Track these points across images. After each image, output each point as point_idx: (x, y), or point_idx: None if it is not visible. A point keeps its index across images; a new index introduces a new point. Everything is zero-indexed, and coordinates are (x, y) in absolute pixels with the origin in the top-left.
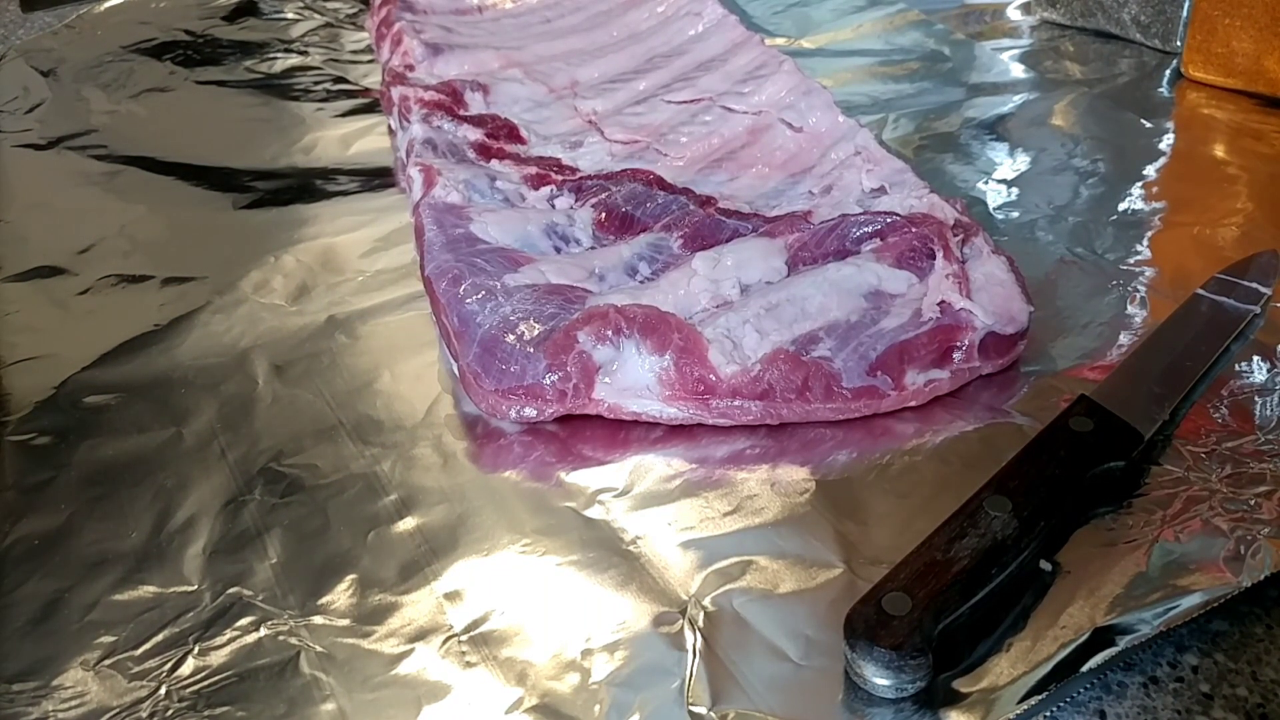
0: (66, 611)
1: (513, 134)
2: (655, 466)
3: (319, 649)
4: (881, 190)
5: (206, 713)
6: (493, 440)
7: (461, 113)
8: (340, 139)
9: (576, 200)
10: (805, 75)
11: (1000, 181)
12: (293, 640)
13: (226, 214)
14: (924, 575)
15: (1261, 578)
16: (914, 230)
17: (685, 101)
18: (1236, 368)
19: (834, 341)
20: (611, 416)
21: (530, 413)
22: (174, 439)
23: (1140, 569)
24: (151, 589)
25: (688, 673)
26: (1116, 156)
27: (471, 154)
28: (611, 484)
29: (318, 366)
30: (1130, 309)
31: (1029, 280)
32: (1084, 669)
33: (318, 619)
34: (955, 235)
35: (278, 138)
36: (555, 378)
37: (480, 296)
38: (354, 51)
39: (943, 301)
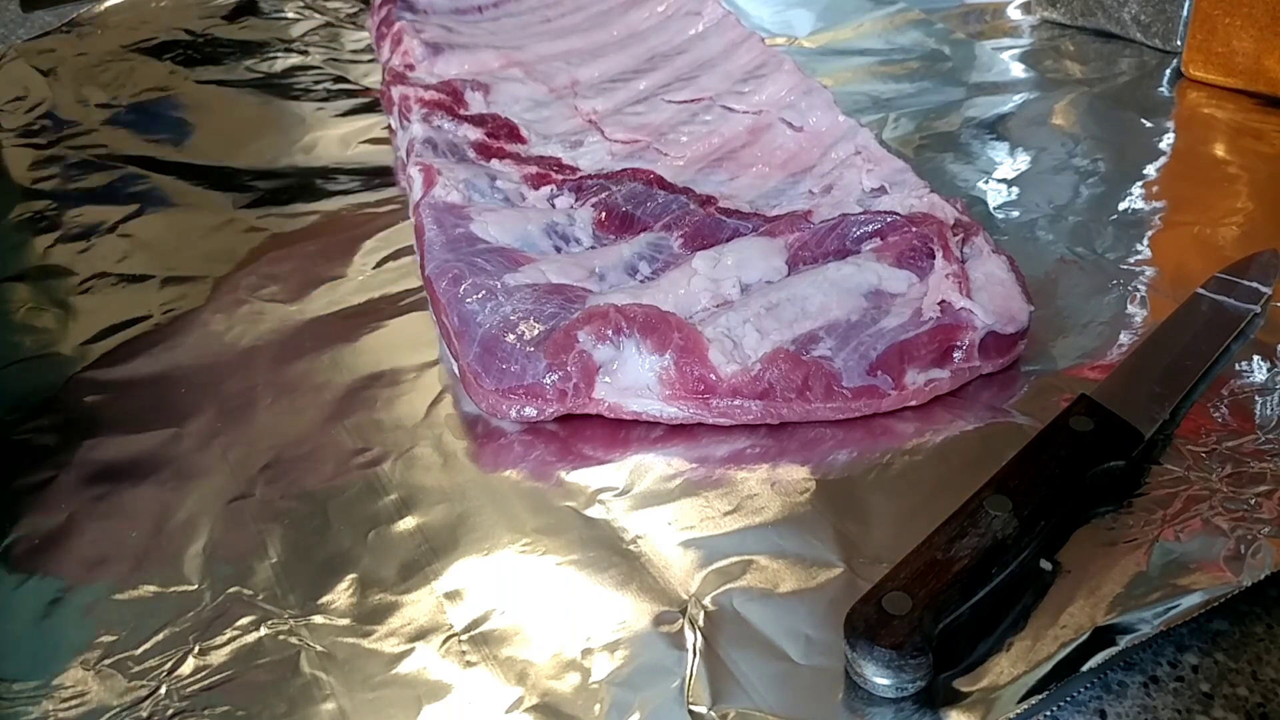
0: (66, 611)
1: (513, 133)
2: (655, 466)
3: (319, 648)
4: (882, 190)
5: (206, 712)
6: (493, 440)
7: (461, 112)
8: (340, 139)
9: (577, 200)
10: (805, 74)
11: (1000, 181)
12: (293, 640)
13: (226, 214)
14: (924, 575)
15: (1262, 577)
16: (914, 230)
17: (685, 101)
18: (1237, 367)
19: (834, 341)
20: (612, 416)
21: (530, 412)
22: (174, 439)
23: (1140, 568)
24: (151, 589)
25: (688, 672)
26: (1117, 156)
27: (471, 153)
28: (612, 483)
29: (318, 366)
30: (1130, 308)
31: (1029, 279)
32: (1084, 668)
33: (318, 618)
34: (955, 235)
35: (278, 137)
36: (555, 377)
37: (480, 296)
38: (354, 51)
39: (943, 301)
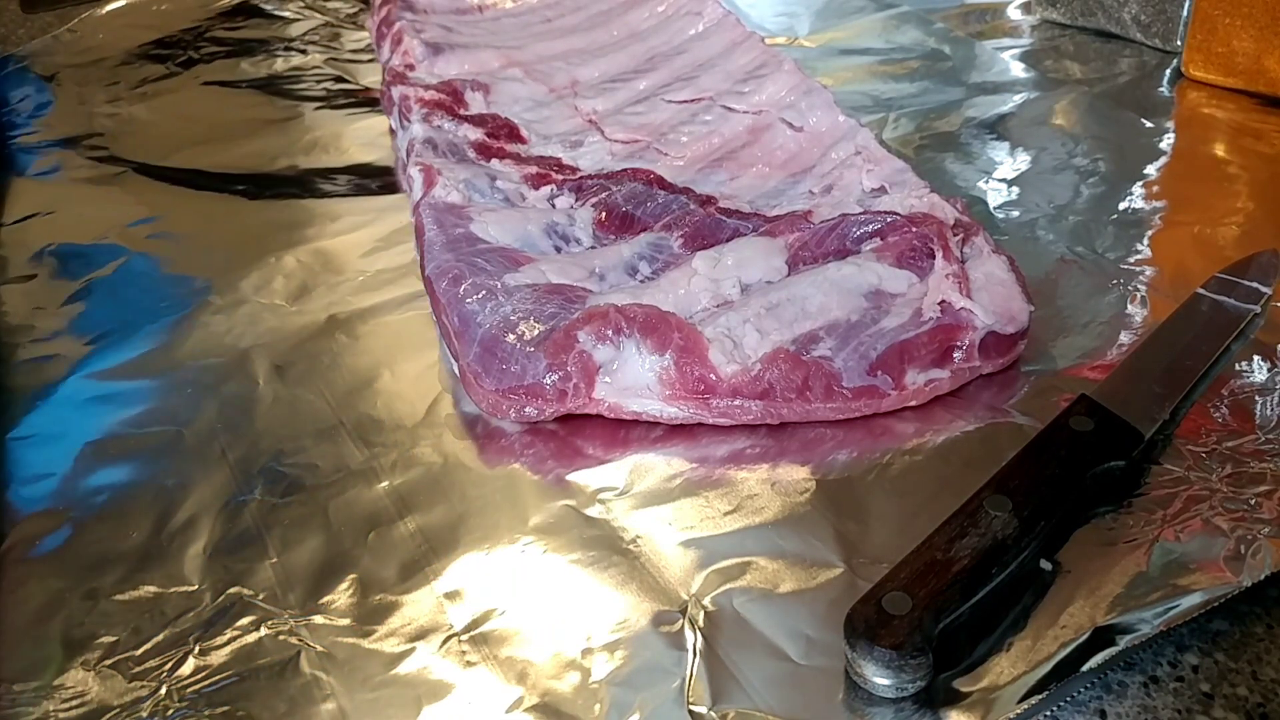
0: (66, 611)
1: (513, 133)
2: (655, 466)
3: (319, 648)
4: (882, 190)
5: (206, 712)
6: (493, 439)
7: (462, 112)
8: (340, 139)
9: (577, 200)
10: (805, 74)
11: (1001, 181)
12: (293, 640)
13: (227, 214)
14: (924, 575)
15: (1262, 577)
16: (914, 230)
17: (686, 101)
18: (1237, 367)
19: (834, 341)
20: (612, 416)
21: (531, 412)
22: (174, 439)
23: (1140, 568)
24: (151, 589)
25: (688, 672)
26: (1117, 156)
27: (472, 154)
28: (612, 483)
29: (318, 366)
30: (1130, 308)
31: (1029, 279)
32: (1084, 668)
33: (318, 618)
34: (955, 235)
35: (278, 137)
36: (556, 377)
37: (480, 296)
38: (354, 51)
39: (943, 301)
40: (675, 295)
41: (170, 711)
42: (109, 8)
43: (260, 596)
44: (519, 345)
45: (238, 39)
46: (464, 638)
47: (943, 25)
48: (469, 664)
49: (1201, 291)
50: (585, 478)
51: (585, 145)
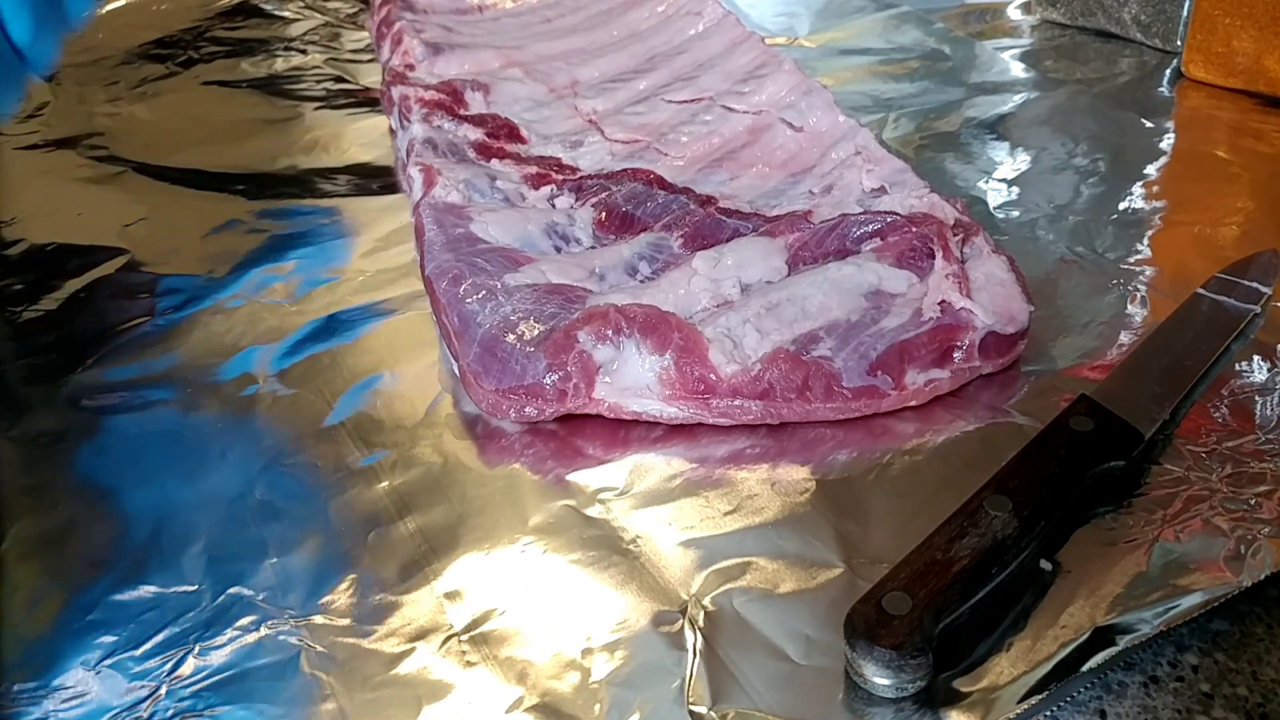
0: (66, 611)
1: (513, 133)
2: (655, 466)
3: (319, 649)
4: (882, 190)
5: (206, 713)
6: (493, 440)
7: (462, 112)
8: (340, 139)
9: (577, 200)
10: (805, 74)
11: (1001, 181)
12: (293, 640)
13: (227, 214)
14: (924, 575)
15: (1262, 577)
16: (914, 230)
17: (686, 101)
18: (1237, 367)
19: (834, 341)
20: (612, 416)
21: (531, 412)
22: (174, 439)
23: (1140, 568)
24: (151, 589)
25: (688, 672)
26: (1117, 156)
27: (471, 153)
28: (612, 483)
29: (318, 366)
30: (1131, 308)
31: (1029, 279)
32: (1084, 668)
33: (318, 619)
34: (955, 235)
35: (278, 137)
36: (556, 377)
37: (480, 296)
38: (354, 51)
39: (943, 301)
40: (675, 295)
41: (170, 711)
42: (109, 8)
43: (260, 596)
44: (519, 345)
45: (238, 39)
46: (464, 638)
47: (943, 25)
48: (469, 664)
49: (1201, 291)
50: (585, 478)
51: (585, 145)
